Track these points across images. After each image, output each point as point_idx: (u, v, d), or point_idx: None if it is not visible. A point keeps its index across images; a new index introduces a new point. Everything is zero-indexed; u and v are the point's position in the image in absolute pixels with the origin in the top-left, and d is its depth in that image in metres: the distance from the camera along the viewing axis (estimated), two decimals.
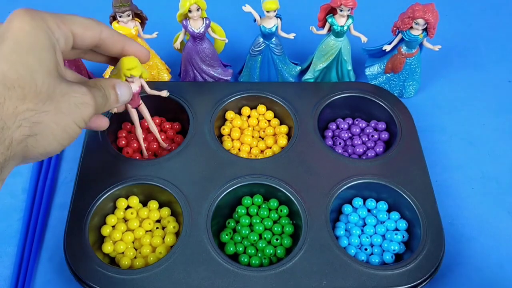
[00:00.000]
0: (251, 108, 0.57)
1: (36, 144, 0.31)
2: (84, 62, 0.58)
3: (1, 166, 0.29)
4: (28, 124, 0.30)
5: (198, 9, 0.51)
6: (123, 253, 0.46)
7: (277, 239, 0.46)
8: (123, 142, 0.53)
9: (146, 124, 0.53)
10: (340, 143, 0.55)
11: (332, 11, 0.54)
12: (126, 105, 0.49)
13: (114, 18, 0.51)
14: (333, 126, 0.57)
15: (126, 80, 0.45)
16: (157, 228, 0.48)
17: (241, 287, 0.41)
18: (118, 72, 0.42)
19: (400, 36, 0.54)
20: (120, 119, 0.54)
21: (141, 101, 0.50)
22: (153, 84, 0.53)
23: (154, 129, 0.51)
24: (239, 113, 0.57)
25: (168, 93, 0.51)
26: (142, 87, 0.47)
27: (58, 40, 0.33)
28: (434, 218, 0.46)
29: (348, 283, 0.42)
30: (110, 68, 0.57)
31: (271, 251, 0.46)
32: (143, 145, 0.51)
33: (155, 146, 0.52)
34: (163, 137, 0.53)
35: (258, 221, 0.47)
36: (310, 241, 0.44)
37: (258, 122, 0.56)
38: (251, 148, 0.54)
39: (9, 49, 0.30)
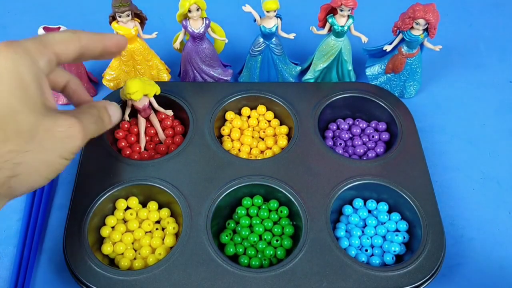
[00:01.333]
0: (251, 109, 0.56)
1: (20, 184, 0.30)
2: (83, 63, 0.58)
3: None
4: (9, 166, 0.28)
5: (198, 9, 0.51)
6: (122, 254, 0.46)
7: (277, 240, 0.46)
8: (123, 143, 0.52)
9: (152, 131, 0.53)
10: (340, 144, 0.55)
11: (333, 11, 0.54)
12: (137, 115, 0.52)
13: (113, 18, 0.51)
14: (333, 126, 0.57)
15: (131, 98, 0.47)
16: (156, 229, 0.47)
17: None
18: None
19: (400, 36, 0.54)
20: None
21: (151, 112, 0.52)
22: None
23: (162, 136, 0.53)
24: (239, 114, 0.56)
25: (172, 114, 0.54)
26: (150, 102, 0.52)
27: (42, 69, 0.31)
28: (434, 218, 0.46)
29: (348, 285, 0.42)
30: (109, 69, 0.56)
31: (271, 252, 0.45)
32: (143, 148, 0.52)
33: (152, 146, 0.52)
34: (171, 132, 0.54)
35: (258, 222, 0.47)
36: (310, 242, 0.44)
37: (258, 122, 0.56)
38: (251, 148, 0.54)
39: None
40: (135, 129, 0.53)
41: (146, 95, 0.51)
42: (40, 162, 0.30)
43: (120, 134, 0.53)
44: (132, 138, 0.53)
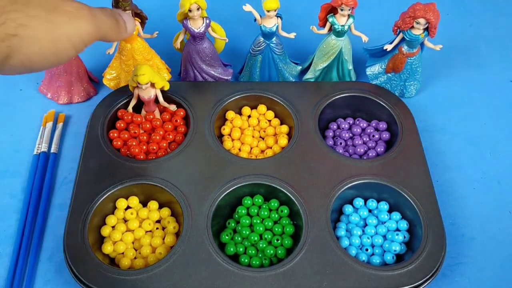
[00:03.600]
0: (252, 108, 0.56)
1: (20, 46, 0.29)
2: (83, 62, 0.58)
3: None
4: (13, 24, 0.29)
5: (198, 9, 0.51)
6: (123, 253, 0.46)
7: (277, 240, 0.46)
8: (119, 143, 0.52)
9: (147, 126, 0.53)
10: (341, 143, 0.55)
11: (333, 10, 0.54)
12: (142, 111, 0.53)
13: None
14: (334, 126, 0.57)
15: (138, 86, 0.48)
16: (157, 228, 0.47)
17: None
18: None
19: (401, 35, 0.54)
20: (117, 119, 0.54)
21: (156, 108, 0.53)
22: None
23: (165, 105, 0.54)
24: (240, 113, 0.56)
25: (176, 108, 0.54)
26: (156, 96, 0.52)
27: None
28: (435, 218, 0.46)
29: (349, 284, 0.42)
30: (109, 68, 0.56)
31: (272, 251, 0.45)
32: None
33: (154, 148, 0.52)
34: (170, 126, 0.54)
35: (258, 221, 0.47)
36: (310, 242, 0.44)
37: (259, 122, 0.56)
38: (251, 148, 0.54)
39: None
40: (135, 130, 0.53)
41: (153, 86, 0.51)
42: (45, 33, 0.30)
43: (115, 135, 0.53)
44: (133, 143, 0.53)
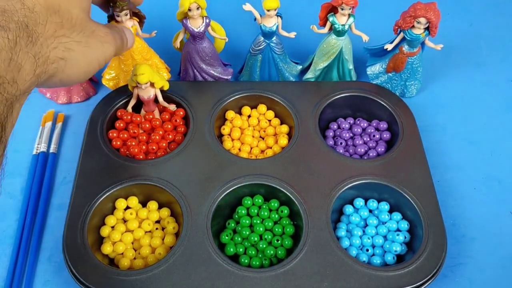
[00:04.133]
0: (252, 108, 0.56)
1: (64, 69, 0.34)
2: None
3: (36, 78, 0.31)
4: (62, 48, 0.33)
5: (198, 8, 0.50)
6: (122, 254, 0.46)
7: (277, 240, 0.46)
8: (118, 143, 0.52)
9: (145, 126, 0.53)
10: (341, 143, 0.55)
11: (333, 9, 0.54)
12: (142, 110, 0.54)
13: (111, 17, 0.51)
14: (334, 126, 0.56)
15: (137, 86, 0.48)
16: (156, 228, 0.47)
17: None
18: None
19: (401, 35, 0.54)
20: (116, 119, 0.54)
21: (155, 108, 0.53)
22: None
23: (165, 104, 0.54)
24: (240, 113, 0.56)
25: (175, 107, 0.54)
26: (156, 95, 0.52)
27: None
28: (436, 218, 0.45)
29: (349, 284, 0.41)
30: (108, 68, 0.56)
31: (272, 252, 0.45)
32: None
33: (154, 148, 0.52)
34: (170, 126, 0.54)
35: (258, 221, 0.47)
36: (311, 242, 0.44)
37: (259, 121, 0.56)
38: (251, 148, 0.54)
39: None
40: (134, 130, 0.53)
41: (153, 86, 0.51)
42: (84, 57, 0.35)
43: (118, 134, 0.53)
44: (133, 143, 0.52)
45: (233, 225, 0.48)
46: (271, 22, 0.53)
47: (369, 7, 0.67)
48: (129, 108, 0.53)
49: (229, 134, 0.54)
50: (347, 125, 0.56)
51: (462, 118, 0.59)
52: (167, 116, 0.54)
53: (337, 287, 0.41)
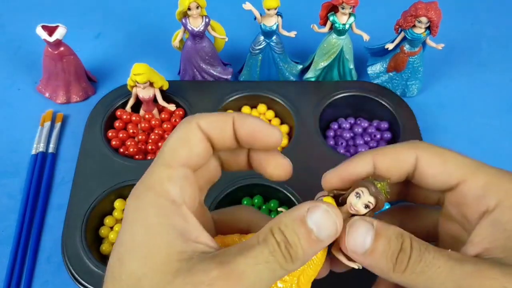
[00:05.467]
0: (251, 107, 0.56)
1: None
2: (82, 61, 0.58)
3: None
4: None
5: (197, 7, 0.50)
6: None
7: None
8: (117, 142, 0.52)
9: (145, 125, 0.53)
10: (342, 143, 0.54)
11: (334, 9, 0.53)
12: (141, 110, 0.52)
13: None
14: (334, 125, 0.56)
15: (136, 85, 0.48)
16: None
17: None
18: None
19: (402, 34, 0.54)
20: (115, 119, 0.53)
21: (155, 109, 0.53)
22: None
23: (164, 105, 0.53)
24: None
25: (175, 107, 0.53)
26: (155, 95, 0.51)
27: (187, 211, 0.21)
28: None
29: (350, 285, 0.41)
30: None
31: None
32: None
33: (153, 148, 0.51)
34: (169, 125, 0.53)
35: None
36: None
37: None
38: None
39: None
40: (133, 130, 0.52)
41: (152, 85, 0.51)
42: None
43: (117, 134, 0.52)
44: (132, 142, 0.52)
45: None
46: (271, 21, 0.53)
47: (370, 6, 0.66)
48: (128, 107, 0.53)
49: None
50: (347, 125, 0.56)
51: (463, 118, 0.59)
52: (166, 116, 0.54)
53: (337, 287, 0.41)
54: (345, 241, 0.21)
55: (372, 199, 0.22)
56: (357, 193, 0.23)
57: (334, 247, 0.23)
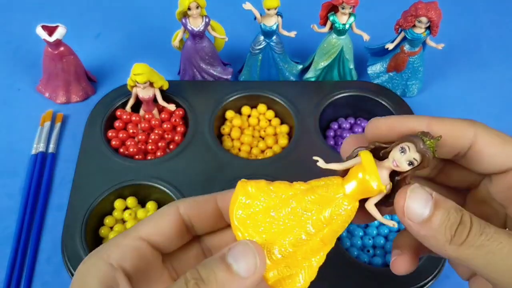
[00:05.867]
0: (251, 107, 0.56)
1: None
2: (82, 61, 0.58)
3: None
4: None
5: (197, 7, 0.50)
6: None
7: None
8: (117, 143, 0.52)
9: (145, 125, 0.53)
10: (342, 143, 0.54)
11: (334, 9, 0.53)
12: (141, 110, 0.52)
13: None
14: (335, 125, 0.56)
15: (136, 85, 0.48)
16: None
17: None
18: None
19: (402, 34, 0.54)
20: (115, 119, 0.53)
21: (155, 109, 0.52)
22: None
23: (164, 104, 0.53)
24: (239, 113, 0.56)
25: (175, 107, 0.53)
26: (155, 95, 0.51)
27: (121, 276, 0.22)
28: None
29: (350, 285, 0.41)
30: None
31: None
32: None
33: (153, 148, 0.51)
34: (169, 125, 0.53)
35: None
36: None
37: (259, 121, 0.55)
38: (251, 148, 0.53)
39: None
40: (133, 130, 0.52)
41: (152, 85, 0.51)
42: None
43: (117, 134, 0.52)
44: (132, 143, 0.52)
45: None
46: (271, 21, 0.53)
47: (370, 6, 0.66)
48: (128, 107, 0.53)
49: (229, 134, 0.54)
50: (347, 125, 0.55)
51: (463, 118, 0.59)
52: (166, 116, 0.53)
53: (338, 287, 0.41)
54: (400, 206, 0.21)
55: (418, 156, 0.20)
56: (402, 148, 0.20)
57: (368, 203, 0.22)
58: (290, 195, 0.23)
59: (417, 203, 0.20)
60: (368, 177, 0.21)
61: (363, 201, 0.22)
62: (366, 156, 0.22)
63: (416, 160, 0.20)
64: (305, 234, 0.22)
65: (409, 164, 0.20)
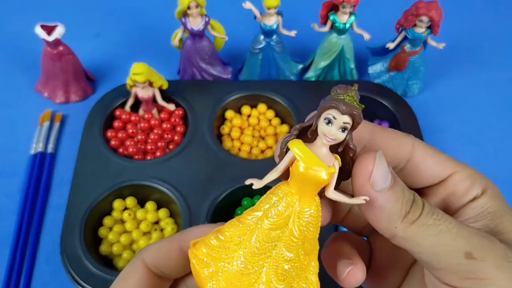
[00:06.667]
0: (252, 107, 0.56)
1: None
2: (81, 61, 0.57)
3: None
4: None
5: (197, 6, 0.50)
6: (120, 255, 0.45)
7: None
8: (116, 142, 0.51)
9: (144, 125, 0.52)
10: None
11: (335, 8, 0.53)
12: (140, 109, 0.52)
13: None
14: None
15: (135, 85, 0.47)
16: (155, 229, 0.47)
17: None
18: None
19: (403, 34, 0.53)
20: (114, 118, 0.53)
21: (154, 108, 0.52)
22: None
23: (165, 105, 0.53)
24: (239, 112, 0.56)
25: (174, 107, 0.53)
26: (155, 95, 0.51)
27: None
28: None
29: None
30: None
31: None
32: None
33: (152, 148, 0.51)
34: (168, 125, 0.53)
35: None
36: None
37: (259, 121, 0.55)
38: (251, 148, 0.53)
39: None
40: (132, 130, 0.52)
41: (151, 85, 0.51)
42: None
43: (117, 133, 0.52)
44: (131, 142, 0.52)
45: None
46: (272, 21, 0.53)
47: (371, 5, 0.66)
48: (127, 107, 0.53)
49: (229, 134, 0.54)
50: None
51: (464, 118, 0.59)
52: (165, 116, 0.53)
53: (338, 286, 0.41)
54: (367, 172, 0.19)
55: (347, 118, 0.18)
56: (326, 118, 0.18)
57: (327, 192, 0.19)
58: (248, 234, 0.20)
59: (381, 171, 0.19)
60: (312, 171, 0.18)
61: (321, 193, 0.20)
62: (297, 146, 0.19)
63: (348, 123, 0.18)
64: (286, 264, 0.20)
65: (343, 131, 0.18)
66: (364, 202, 0.19)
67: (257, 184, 0.20)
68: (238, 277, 0.19)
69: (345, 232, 0.24)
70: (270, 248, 0.20)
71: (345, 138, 0.18)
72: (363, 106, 0.19)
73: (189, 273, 0.24)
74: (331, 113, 0.18)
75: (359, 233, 0.25)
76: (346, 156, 0.19)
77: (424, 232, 0.19)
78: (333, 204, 0.21)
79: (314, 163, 0.19)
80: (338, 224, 0.24)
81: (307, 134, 0.19)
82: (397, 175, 0.21)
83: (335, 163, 0.19)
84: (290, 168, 0.20)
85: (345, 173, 0.20)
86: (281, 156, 0.20)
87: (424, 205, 0.19)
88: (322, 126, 0.18)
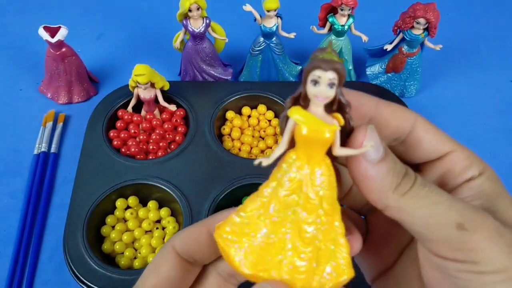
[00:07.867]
0: (252, 108, 0.56)
1: None
2: (84, 62, 0.58)
3: None
4: None
5: (198, 8, 0.51)
6: (122, 253, 0.46)
7: None
8: (119, 142, 0.52)
9: (146, 126, 0.53)
10: None
11: (333, 10, 0.54)
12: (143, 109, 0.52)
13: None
14: None
15: (137, 86, 0.48)
16: (156, 228, 0.47)
17: None
18: None
19: (401, 35, 0.54)
20: (117, 119, 0.54)
21: (156, 109, 0.53)
22: None
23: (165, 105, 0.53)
24: (239, 113, 0.56)
25: (175, 108, 0.53)
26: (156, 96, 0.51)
27: None
28: None
29: (351, 285, 0.41)
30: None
31: None
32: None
33: (154, 148, 0.52)
34: (170, 125, 0.54)
35: None
36: None
37: (259, 121, 0.56)
38: (251, 148, 0.54)
39: None
40: (134, 130, 0.53)
41: (153, 86, 0.51)
42: None
43: (119, 134, 0.53)
44: (133, 142, 0.53)
45: None
46: (271, 23, 0.53)
47: (369, 7, 0.67)
48: (130, 108, 0.54)
49: (229, 134, 0.54)
50: None
51: (461, 119, 0.59)
52: (167, 116, 0.54)
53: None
54: (360, 142, 0.20)
55: (331, 74, 0.18)
56: (312, 81, 0.18)
57: (335, 151, 0.20)
58: (267, 205, 0.21)
59: (372, 142, 0.20)
60: (314, 131, 0.19)
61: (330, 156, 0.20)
62: (296, 113, 0.19)
63: (334, 78, 0.18)
64: (309, 226, 0.20)
65: (331, 87, 0.18)
66: (370, 148, 0.19)
67: (265, 161, 0.20)
68: (265, 248, 0.20)
69: (344, 208, 0.25)
70: (290, 215, 0.20)
71: (336, 94, 0.19)
72: (343, 59, 0.19)
73: (219, 258, 0.24)
74: (315, 73, 0.18)
75: (357, 212, 0.26)
76: (344, 113, 0.20)
77: (416, 203, 0.19)
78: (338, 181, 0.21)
79: (314, 124, 0.19)
80: (339, 202, 0.25)
81: (300, 103, 0.20)
82: (398, 146, 0.22)
83: (335, 121, 0.19)
84: (294, 136, 0.20)
85: (347, 130, 0.20)
86: (282, 127, 0.21)
87: (417, 178, 0.20)
88: (310, 89, 0.19)
